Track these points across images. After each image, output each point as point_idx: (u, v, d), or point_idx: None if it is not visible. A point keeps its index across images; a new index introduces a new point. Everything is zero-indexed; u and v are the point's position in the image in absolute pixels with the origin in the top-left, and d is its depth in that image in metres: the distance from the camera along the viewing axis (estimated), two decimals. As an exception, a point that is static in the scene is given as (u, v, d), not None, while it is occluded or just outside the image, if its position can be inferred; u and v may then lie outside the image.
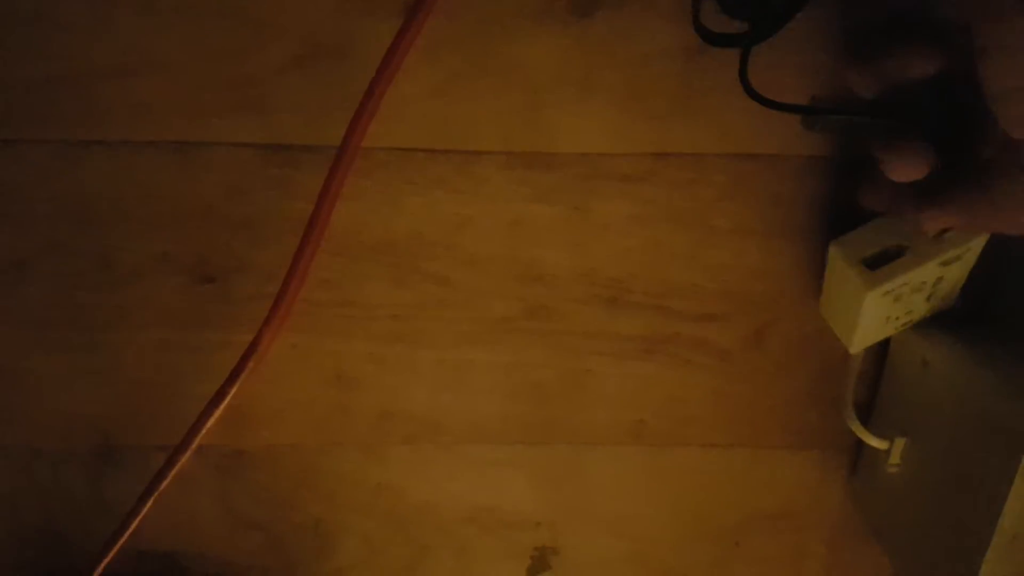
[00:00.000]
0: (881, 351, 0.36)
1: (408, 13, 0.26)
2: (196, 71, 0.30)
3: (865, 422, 0.36)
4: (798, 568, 0.41)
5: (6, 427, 0.35)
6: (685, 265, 0.34)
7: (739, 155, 0.32)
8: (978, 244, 0.30)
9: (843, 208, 0.33)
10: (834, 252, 0.31)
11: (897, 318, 0.32)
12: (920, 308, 0.32)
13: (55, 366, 0.34)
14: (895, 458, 0.33)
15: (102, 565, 0.33)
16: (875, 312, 0.31)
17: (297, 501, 0.37)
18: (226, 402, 0.29)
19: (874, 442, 0.34)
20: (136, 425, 0.35)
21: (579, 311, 0.35)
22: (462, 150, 0.32)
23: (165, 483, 0.31)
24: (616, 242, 0.34)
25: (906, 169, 0.27)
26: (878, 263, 0.30)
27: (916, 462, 0.33)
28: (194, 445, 0.31)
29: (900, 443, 0.33)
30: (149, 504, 0.32)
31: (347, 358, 0.35)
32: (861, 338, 0.33)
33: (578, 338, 0.35)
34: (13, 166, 0.31)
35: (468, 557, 0.39)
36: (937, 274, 0.30)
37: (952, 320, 0.34)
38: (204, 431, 0.30)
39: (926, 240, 0.29)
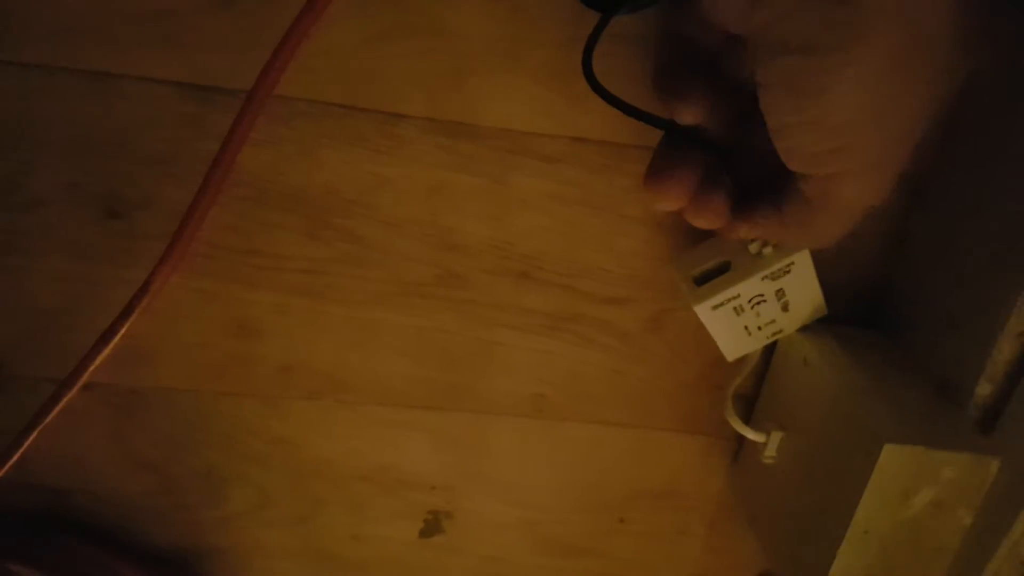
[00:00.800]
0: (770, 344, 0.38)
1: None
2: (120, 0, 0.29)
3: (749, 414, 0.38)
4: (678, 546, 0.43)
5: None
6: (596, 248, 0.35)
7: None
8: (801, 258, 0.32)
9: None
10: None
11: (759, 328, 0.34)
12: (784, 319, 0.34)
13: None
14: (771, 451, 0.35)
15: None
16: (722, 324, 0.34)
17: (192, 445, 0.37)
18: (116, 339, 0.28)
19: (751, 435, 0.36)
20: (30, 354, 0.34)
21: (490, 282, 0.35)
22: (385, 111, 0.32)
23: (50, 417, 0.30)
24: (532, 219, 0.34)
25: (704, 220, 0.29)
26: (709, 279, 0.32)
27: (789, 456, 0.35)
28: (83, 380, 0.30)
29: (776, 436, 0.35)
30: (32, 436, 0.31)
31: (252, 307, 0.35)
32: (730, 348, 0.35)
33: (487, 309, 0.36)
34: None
35: (361, 514, 0.40)
36: (773, 287, 0.32)
37: (843, 322, 0.37)
38: (95, 367, 0.29)
39: (748, 257, 0.32)
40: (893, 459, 0.27)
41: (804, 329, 0.36)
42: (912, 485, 0.28)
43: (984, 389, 0.30)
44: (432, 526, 0.41)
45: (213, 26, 0.29)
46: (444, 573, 0.42)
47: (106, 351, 0.28)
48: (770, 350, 0.38)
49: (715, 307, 0.32)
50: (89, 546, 0.37)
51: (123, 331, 0.28)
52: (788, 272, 0.32)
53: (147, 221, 0.32)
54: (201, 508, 0.39)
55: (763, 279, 0.32)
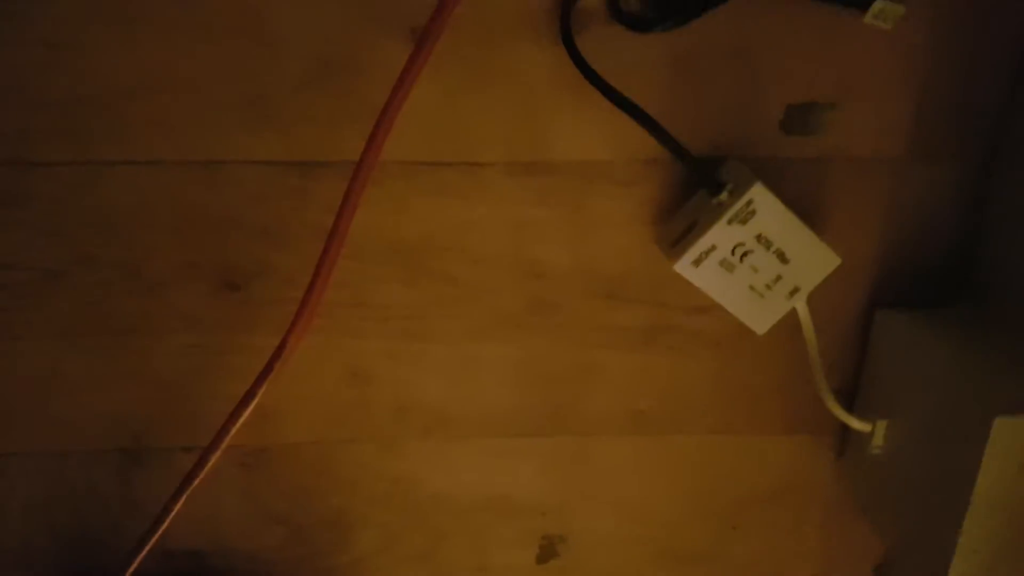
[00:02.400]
0: (864, 336, 0.38)
1: (419, 36, 0.29)
2: (216, 90, 0.32)
3: (850, 405, 0.39)
4: (794, 546, 0.43)
5: (39, 431, 0.37)
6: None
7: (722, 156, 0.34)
8: (759, 194, 0.32)
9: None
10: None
11: (768, 287, 0.34)
12: (791, 271, 0.34)
13: (85, 370, 0.36)
14: (878, 439, 0.36)
15: (134, 565, 0.34)
16: (724, 287, 0.34)
17: (318, 494, 0.39)
18: (255, 402, 0.30)
19: (857, 425, 0.36)
20: (163, 426, 0.37)
21: (580, 306, 0.37)
22: (467, 161, 0.34)
23: (196, 483, 0.33)
24: (612, 241, 0.36)
25: None
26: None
27: (898, 441, 0.35)
28: (224, 445, 0.32)
29: (882, 425, 0.35)
30: (179, 504, 0.34)
31: (362, 356, 0.37)
32: (752, 316, 0.35)
33: (580, 331, 0.38)
34: (45, 184, 0.33)
35: (481, 544, 0.42)
36: (749, 233, 0.32)
37: (931, 301, 0.37)
38: (234, 431, 0.32)
39: (710, 207, 0.32)
40: (1006, 431, 0.28)
41: (894, 315, 0.36)
42: (1031, 453, 0.28)
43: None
44: (547, 551, 0.42)
45: (305, 103, 0.32)
46: (564, 596, 0.43)
47: (245, 414, 0.31)
48: (864, 341, 0.38)
49: (696, 263, 0.33)
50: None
51: (260, 393, 0.31)
52: (753, 212, 0.32)
53: (263, 289, 0.35)
54: (331, 554, 0.41)
55: (729, 223, 0.32)
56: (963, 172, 0.35)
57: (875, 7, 0.32)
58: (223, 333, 0.35)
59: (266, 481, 0.39)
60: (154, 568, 0.40)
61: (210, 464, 0.33)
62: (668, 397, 0.39)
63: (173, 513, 0.34)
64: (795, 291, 0.35)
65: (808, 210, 0.35)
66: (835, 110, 0.34)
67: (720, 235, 0.32)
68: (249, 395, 0.30)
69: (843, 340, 0.38)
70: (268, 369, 0.30)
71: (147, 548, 0.34)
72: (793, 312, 0.36)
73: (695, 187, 0.34)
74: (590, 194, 0.35)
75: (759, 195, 0.32)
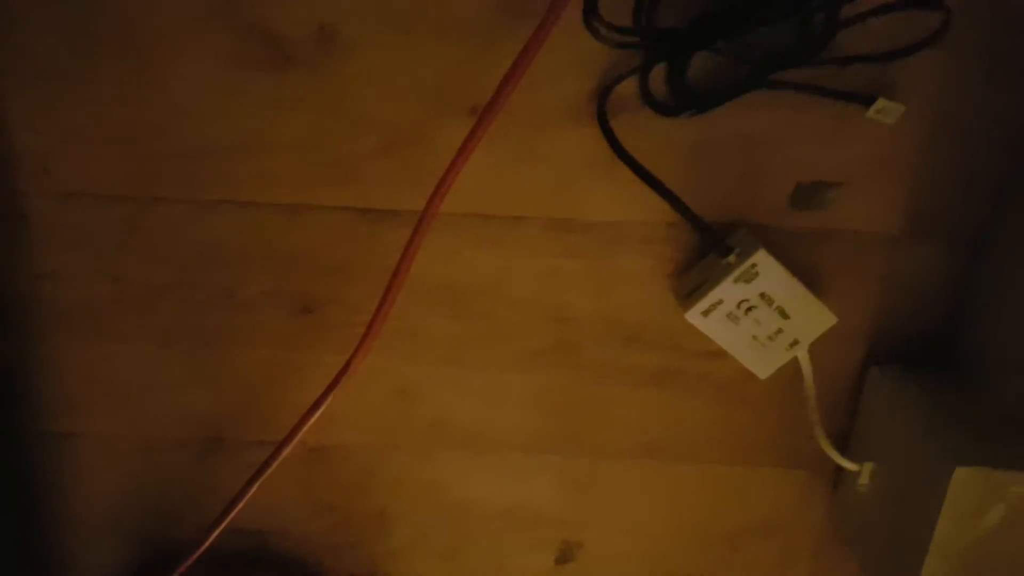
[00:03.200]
0: (858, 389, 0.42)
1: (476, 114, 0.34)
2: (306, 150, 0.38)
3: (843, 448, 0.43)
4: (785, 573, 0.47)
5: (136, 419, 0.44)
6: (691, 312, 0.41)
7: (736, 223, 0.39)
8: (762, 259, 0.36)
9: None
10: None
11: (771, 339, 0.39)
12: (791, 326, 0.38)
13: (178, 372, 0.43)
14: (864, 479, 0.40)
15: (209, 540, 0.41)
16: (729, 336, 0.39)
17: (364, 491, 0.45)
18: (323, 408, 0.37)
19: (846, 464, 0.40)
20: (242, 423, 0.43)
21: (601, 347, 0.42)
22: (509, 215, 0.39)
23: (268, 472, 0.39)
24: (634, 292, 0.41)
25: None
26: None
27: (880, 483, 0.39)
28: (295, 441, 0.39)
29: (868, 466, 0.40)
30: (252, 490, 0.40)
31: (410, 377, 0.43)
32: (754, 362, 0.40)
33: (598, 369, 0.43)
34: (161, 217, 0.39)
35: (502, 546, 0.47)
36: (753, 291, 0.37)
37: (919, 366, 0.41)
38: (303, 431, 0.38)
39: (720, 267, 0.37)
40: (964, 480, 0.32)
41: (886, 372, 0.40)
42: (984, 504, 0.32)
43: (1047, 420, 0.34)
44: (566, 554, 0.47)
45: (376, 166, 0.38)
46: (577, 599, 0.48)
47: (315, 417, 0.37)
48: (859, 393, 0.42)
49: (705, 313, 0.38)
50: (287, 576, 0.46)
51: (327, 401, 0.37)
52: (757, 273, 0.37)
53: (333, 315, 0.41)
54: (370, 544, 0.47)
55: (735, 282, 0.37)
56: (953, 252, 0.40)
57: (877, 104, 0.36)
58: (298, 350, 0.42)
59: (322, 476, 0.45)
60: (223, 544, 0.46)
61: (281, 457, 0.39)
62: (676, 430, 0.44)
63: (246, 498, 0.40)
64: (795, 343, 0.39)
65: (811, 277, 0.39)
66: (839, 189, 0.39)
67: (727, 291, 0.37)
68: (318, 402, 0.37)
69: (840, 391, 0.43)
70: (335, 382, 0.36)
71: (221, 527, 0.40)
72: (796, 362, 0.40)
73: (707, 250, 0.39)
74: (616, 251, 0.40)
75: (763, 259, 0.37)
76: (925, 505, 0.34)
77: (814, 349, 0.40)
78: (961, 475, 0.32)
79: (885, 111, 0.36)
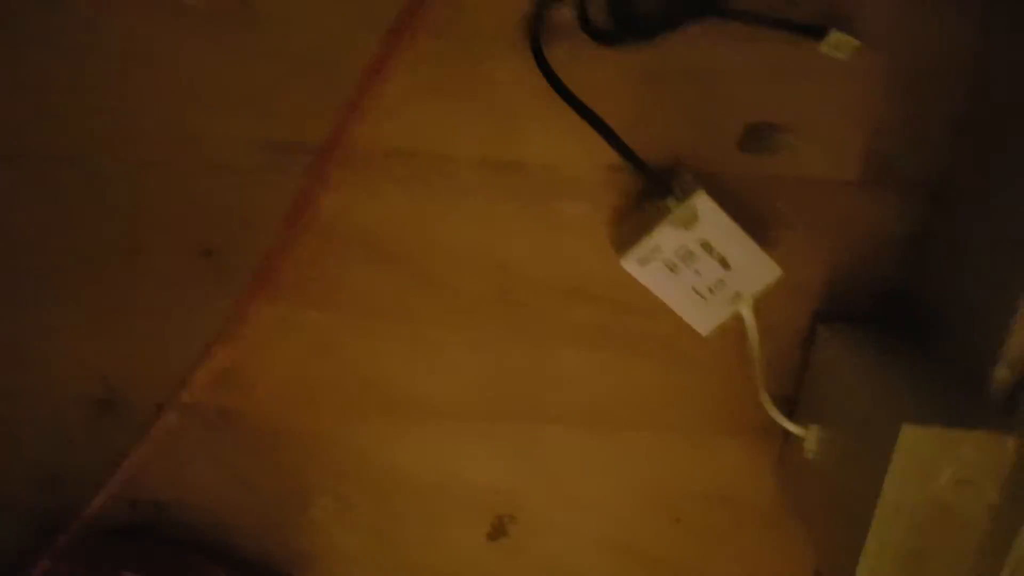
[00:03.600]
0: (808, 349, 0.40)
1: (392, 32, 0.31)
2: (203, 78, 0.34)
3: (791, 413, 0.41)
4: (734, 544, 0.45)
5: (21, 376, 0.39)
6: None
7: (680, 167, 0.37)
8: (701, 201, 0.34)
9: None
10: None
11: (711, 291, 0.36)
12: (733, 278, 0.36)
13: (68, 323, 0.38)
14: (811, 444, 0.38)
15: (93, 508, 0.37)
16: (669, 288, 0.36)
17: (279, 459, 0.42)
18: (223, 363, 0.33)
19: (792, 428, 0.38)
20: (138, 379, 0.39)
21: (541, 300, 0.39)
22: (440, 153, 0.36)
23: (153, 435, 0.35)
24: (575, 240, 0.38)
25: None
26: None
27: (827, 448, 0.37)
28: (183, 399, 0.35)
29: (815, 430, 0.38)
30: (138, 452, 0.36)
31: (329, 331, 0.39)
32: (695, 316, 0.37)
33: (540, 325, 0.40)
34: (52, 154, 0.35)
35: (434, 521, 0.44)
36: (692, 238, 0.34)
37: (871, 323, 0.39)
38: (193, 386, 0.34)
39: (657, 211, 0.35)
40: (912, 439, 0.30)
41: (835, 329, 0.38)
42: (934, 464, 0.30)
43: (1002, 374, 0.32)
44: (498, 529, 0.44)
45: (285, 94, 0.35)
46: (509, 574, 0.45)
47: (202, 371, 0.33)
48: (807, 351, 0.40)
49: (641, 261, 0.35)
50: (188, 554, 0.42)
51: (218, 353, 0.33)
52: (696, 218, 0.34)
53: (236, 260, 0.37)
54: (287, 517, 0.43)
55: (673, 227, 0.34)
56: (911, 201, 0.38)
57: (831, 38, 0.34)
58: (197, 297, 0.38)
59: (231, 442, 0.41)
60: (122, 515, 0.42)
61: (168, 417, 0.35)
62: (619, 393, 0.41)
63: (130, 461, 0.36)
64: (737, 296, 0.37)
65: (759, 226, 0.37)
66: (790, 132, 0.36)
67: (665, 237, 0.34)
68: (206, 355, 0.33)
69: (788, 351, 0.40)
70: (225, 331, 0.32)
71: (105, 495, 0.36)
72: (741, 320, 0.38)
73: (648, 195, 0.36)
74: (555, 195, 0.37)
75: (702, 202, 0.34)
76: (873, 466, 0.32)
77: (761, 306, 0.38)
78: (909, 433, 0.30)
79: (838, 46, 0.34)
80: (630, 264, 0.35)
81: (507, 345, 0.40)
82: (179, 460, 0.41)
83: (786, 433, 0.41)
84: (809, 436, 0.38)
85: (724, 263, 0.36)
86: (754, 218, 0.36)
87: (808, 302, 0.39)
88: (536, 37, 0.33)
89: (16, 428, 0.40)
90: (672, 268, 0.35)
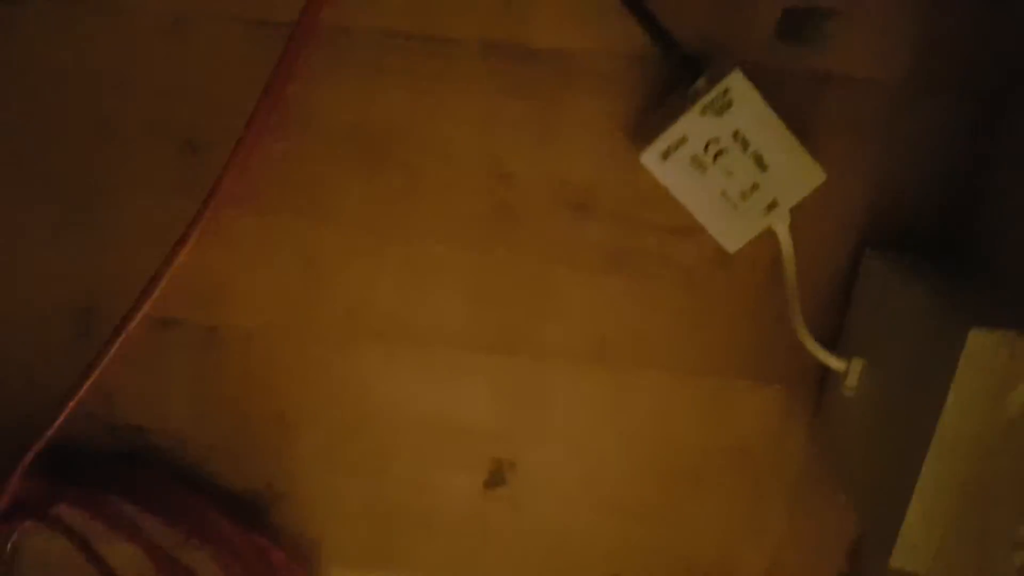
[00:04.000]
0: (851, 280, 0.35)
1: None
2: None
3: (831, 349, 0.36)
4: (758, 508, 0.40)
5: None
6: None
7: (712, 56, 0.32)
8: (736, 82, 0.29)
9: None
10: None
11: (743, 197, 0.32)
12: (768, 180, 0.31)
13: (44, 227, 0.36)
14: (852, 380, 0.33)
15: (53, 428, 0.34)
16: (694, 190, 0.31)
17: (265, 385, 0.38)
18: (170, 270, 0.29)
19: (830, 360, 0.33)
20: (118, 289, 0.36)
21: (546, 216, 0.35)
22: (438, 36, 0.32)
23: (114, 349, 0.32)
24: (587, 144, 0.34)
25: None
26: None
27: (871, 383, 0.32)
28: (144, 309, 0.32)
29: (858, 364, 0.33)
30: (101, 366, 0.33)
31: (317, 245, 0.36)
32: (723, 229, 0.32)
33: (543, 244, 0.36)
34: (23, 28, 0.32)
35: (427, 463, 0.40)
36: (725, 128, 0.30)
37: (923, 245, 0.34)
38: (169, 298, 0.31)
39: (686, 98, 0.30)
40: (981, 346, 0.25)
41: (884, 255, 0.34)
42: (1006, 379, 0.25)
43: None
44: (496, 476, 0.40)
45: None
46: (506, 528, 0.41)
47: (163, 279, 0.30)
48: (848, 283, 0.35)
49: (664, 155, 0.30)
50: (171, 482, 0.39)
51: (177, 261, 0.29)
52: (730, 102, 0.29)
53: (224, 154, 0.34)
54: (272, 449, 0.40)
55: (703, 113, 0.30)
56: (971, 106, 0.33)
57: None
58: (184, 197, 0.34)
59: (214, 364, 0.38)
60: (102, 439, 0.39)
61: (126, 331, 0.32)
62: (632, 327, 0.37)
63: (94, 375, 0.33)
64: (773, 205, 0.32)
65: (796, 130, 0.32)
66: (836, 19, 0.32)
67: (693, 125, 0.30)
68: (165, 263, 0.29)
69: (829, 281, 0.36)
70: (187, 233, 0.29)
71: (69, 408, 0.33)
72: (774, 241, 0.34)
73: (675, 82, 0.32)
74: (567, 88, 0.33)
75: (737, 83, 0.30)
76: (929, 389, 0.27)
77: (797, 223, 0.33)
78: (977, 339, 0.25)
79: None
80: (651, 159, 0.31)
81: (506, 266, 0.36)
82: (161, 383, 0.38)
83: (822, 377, 0.36)
84: (851, 370, 0.33)
85: (760, 162, 0.31)
86: (791, 118, 0.32)
87: (852, 224, 0.35)
88: None
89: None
90: (699, 166, 0.31)
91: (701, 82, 0.30)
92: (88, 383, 0.33)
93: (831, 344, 0.36)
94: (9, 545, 0.38)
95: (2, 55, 0.33)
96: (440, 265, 0.36)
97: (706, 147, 0.31)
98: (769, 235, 0.33)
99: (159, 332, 0.37)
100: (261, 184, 0.35)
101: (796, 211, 0.33)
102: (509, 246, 0.36)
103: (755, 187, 0.32)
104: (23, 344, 0.38)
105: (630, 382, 0.38)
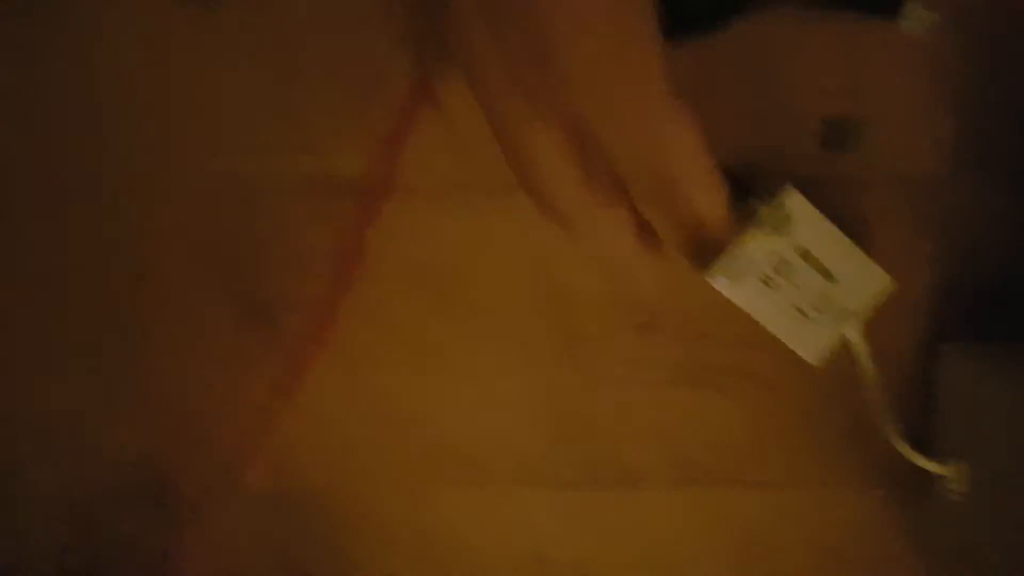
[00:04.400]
0: (927, 375, 0.34)
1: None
2: (247, 106, 0.33)
3: (926, 454, 0.34)
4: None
5: (64, 468, 0.36)
6: (718, 289, 0.34)
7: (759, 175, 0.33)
8: (791, 197, 0.30)
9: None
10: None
11: (817, 310, 0.32)
12: (839, 292, 0.31)
13: (107, 404, 0.36)
14: (958, 484, 0.31)
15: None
16: (769, 309, 0.31)
17: (345, 544, 0.37)
18: (263, 439, 0.29)
19: (931, 467, 0.32)
20: (185, 462, 0.36)
21: (615, 338, 0.35)
22: (492, 184, 0.33)
23: (206, 524, 0.31)
24: (648, 265, 0.34)
25: None
26: None
27: (981, 488, 0.31)
28: (239, 483, 0.31)
29: (963, 469, 0.31)
30: (190, 544, 0.32)
31: (387, 393, 0.36)
32: (801, 342, 0.32)
33: (616, 367, 0.35)
34: (84, 204, 0.34)
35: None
36: (787, 244, 0.30)
37: (998, 332, 0.33)
38: (248, 469, 0.30)
39: (743, 219, 0.30)
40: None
41: (959, 349, 0.33)
42: None
43: None
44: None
45: (332, 124, 0.33)
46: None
47: (256, 450, 0.30)
48: (928, 380, 0.34)
49: (732, 276, 0.31)
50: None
51: (272, 427, 0.29)
52: (788, 219, 0.30)
53: (287, 316, 0.35)
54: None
55: (763, 232, 0.30)
56: (1017, 180, 0.33)
57: (908, 9, 0.31)
58: (248, 363, 0.35)
59: (292, 528, 0.37)
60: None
61: (223, 504, 0.31)
62: (714, 444, 0.36)
63: (184, 553, 0.32)
64: (845, 314, 0.32)
65: (851, 234, 0.32)
66: (872, 125, 0.33)
67: (754, 244, 0.30)
68: (255, 431, 0.29)
69: (905, 380, 0.35)
70: (276, 401, 0.29)
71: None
72: (845, 347, 0.33)
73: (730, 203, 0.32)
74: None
75: (794, 201, 0.30)
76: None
77: (868, 325, 0.33)
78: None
79: (917, 19, 0.31)
80: (718, 281, 0.31)
81: (579, 394, 0.36)
82: (234, 548, 0.37)
83: (920, 483, 0.35)
84: (955, 475, 0.31)
85: (826, 274, 0.31)
86: (845, 223, 0.32)
87: (921, 319, 0.34)
88: None
89: (44, 510, 0.37)
90: (767, 283, 0.31)
91: (754, 201, 0.30)
92: (168, 562, 0.32)
93: (924, 444, 0.35)
94: None
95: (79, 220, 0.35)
96: (512, 399, 0.36)
97: (773, 266, 0.31)
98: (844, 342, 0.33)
99: (232, 499, 0.37)
100: (333, 338, 0.35)
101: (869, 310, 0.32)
102: (577, 372, 0.35)
103: (826, 298, 0.32)
104: (93, 525, 0.37)
105: (716, 500, 0.36)
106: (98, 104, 0.33)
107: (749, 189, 0.31)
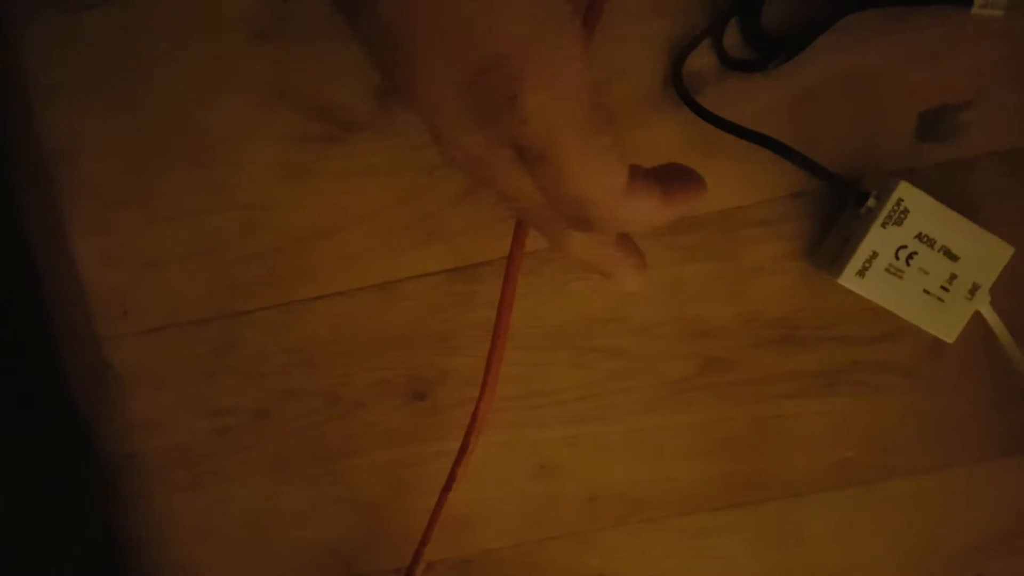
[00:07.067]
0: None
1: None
2: (385, 218, 0.36)
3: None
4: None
5: (255, 568, 0.38)
6: (845, 290, 0.36)
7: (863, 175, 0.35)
8: (905, 191, 0.32)
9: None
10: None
11: (946, 289, 0.33)
12: (965, 268, 0.33)
13: (296, 502, 0.38)
14: None
15: None
16: (902, 298, 0.33)
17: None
18: (444, 509, 0.31)
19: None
20: (372, 549, 0.38)
21: (753, 357, 0.36)
22: (614, 231, 0.35)
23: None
24: (773, 283, 0.36)
25: None
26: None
27: None
28: (423, 561, 0.33)
29: None
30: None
31: (546, 447, 0.37)
32: (940, 325, 0.34)
33: (758, 384, 0.37)
34: (249, 331, 0.37)
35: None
36: (909, 234, 0.32)
37: None
38: (430, 543, 0.32)
39: (860, 218, 0.33)
40: None
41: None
42: None
43: None
44: (779, 634, 0.38)
45: (459, 215, 0.35)
46: None
47: (437, 524, 0.31)
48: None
49: (860, 273, 0.32)
50: None
51: (448, 499, 0.31)
52: (906, 211, 0.32)
53: (445, 394, 0.37)
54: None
55: (884, 226, 0.32)
56: None
57: None
58: (418, 443, 0.37)
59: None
60: None
61: None
62: (869, 440, 0.37)
63: None
64: (975, 289, 0.33)
65: (963, 213, 0.34)
66: (968, 109, 0.34)
67: (878, 239, 0.32)
68: (439, 504, 0.31)
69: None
70: (453, 475, 0.31)
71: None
72: (979, 319, 0.34)
73: (840, 207, 0.34)
74: (739, 241, 0.36)
75: (907, 192, 0.32)
76: None
77: (995, 297, 0.34)
78: None
79: (991, 2, 0.32)
80: (849, 280, 0.33)
81: (730, 416, 0.37)
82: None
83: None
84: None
85: (950, 254, 0.33)
86: (954, 207, 0.33)
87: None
88: (680, 81, 0.33)
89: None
90: (896, 273, 0.33)
91: (872, 201, 0.32)
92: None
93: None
94: None
95: (236, 352, 0.37)
96: (663, 434, 0.37)
97: (897, 255, 0.32)
98: (973, 316, 0.34)
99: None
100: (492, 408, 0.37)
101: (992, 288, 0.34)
102: (725, 396, 0.37)
103: (953, 277, 0.33)
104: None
105: (882, 494, 0.37)
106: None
107: (864, 192, 0.33)
